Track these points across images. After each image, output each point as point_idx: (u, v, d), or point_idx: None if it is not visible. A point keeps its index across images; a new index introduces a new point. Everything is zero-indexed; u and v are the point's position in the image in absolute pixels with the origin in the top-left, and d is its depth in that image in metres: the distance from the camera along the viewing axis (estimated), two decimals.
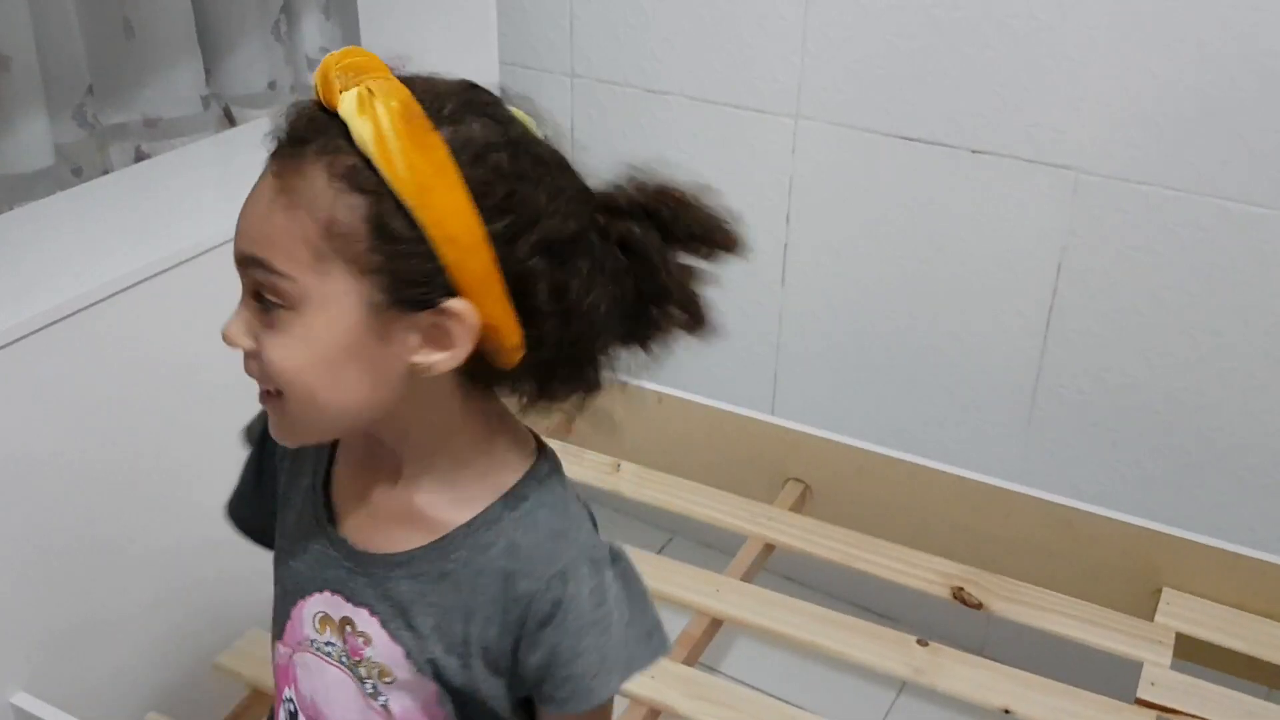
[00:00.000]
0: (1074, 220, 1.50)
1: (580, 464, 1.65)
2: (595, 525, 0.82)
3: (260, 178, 0.70)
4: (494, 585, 0.75)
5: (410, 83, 0.69)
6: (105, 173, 1.55)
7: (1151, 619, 1.41)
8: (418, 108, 0.67)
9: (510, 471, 0.78)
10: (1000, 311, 1.60)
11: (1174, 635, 1.38)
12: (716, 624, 1.44)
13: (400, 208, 0.66)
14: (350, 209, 0.66)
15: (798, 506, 1.62)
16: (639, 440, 1.68)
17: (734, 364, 1.84)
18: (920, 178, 1.58)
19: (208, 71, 1.61)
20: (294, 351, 0.69)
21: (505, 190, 0.68)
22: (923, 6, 1.49)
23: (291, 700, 0.85)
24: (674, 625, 1.08)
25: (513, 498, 0.77)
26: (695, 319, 0.80)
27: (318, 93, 0.69)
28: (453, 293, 0.68)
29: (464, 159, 0.67)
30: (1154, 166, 1.43)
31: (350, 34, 1.81)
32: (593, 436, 1.68)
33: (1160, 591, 1.45)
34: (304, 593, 0.82)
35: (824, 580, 1.81)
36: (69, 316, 1.14)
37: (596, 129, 1.81)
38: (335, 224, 0.67)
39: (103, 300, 1.17)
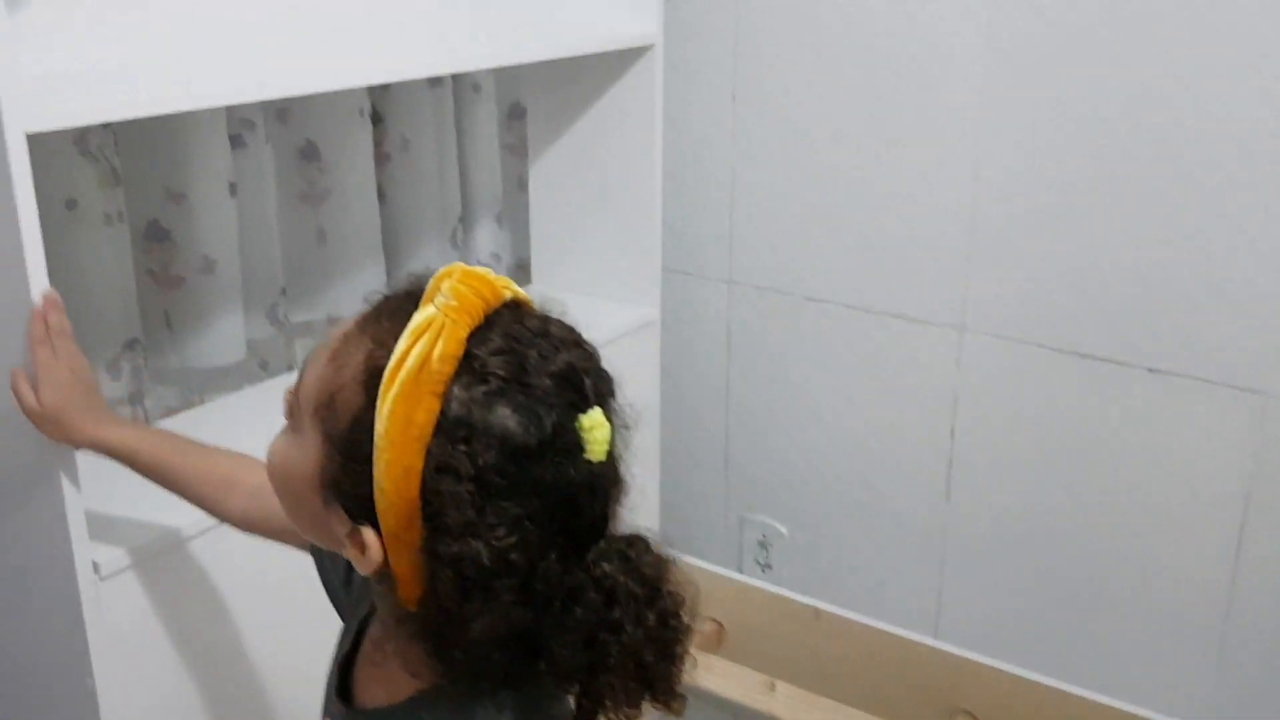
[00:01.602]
0: (1264, 448, 1.42)
1: (733, 681, 1.60)
2: None
3: (355, 317, 0.74)
4: None
5: (500, 336, 0.68)
6: (290, 368, 1.63)
7: None
8: (447, 368, 0.67)
9: (413, 681, 0.75)
10: (1183, 539, 1.51)
11: None
12: None
13: (371, 432, 0.67)
14: (350, 399, 0.69)
15: None
16: (795, 658, 1.62)
17: (896, 580, 1.77)
18: (1093, 395, 1.54)
19: (389, 273, 1.71)
20: (275, 451, 0.76)
21: (450, 490, 0.66)
22: (1091, 222, 1.48)
23: None
24: None
25: (413, 703, 0.75)
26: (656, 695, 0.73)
27: (430, 282, 0.71)
28: (375, 524, 0.68)
29: (440, 438, 0.66)
30: None
31: (520, 240, 1.90)
32: (746, 651, 1.64)
33: None
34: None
35: None
36: None
37: (754, 335, 1.83)
38: (337, 399, 0.70)
39: None
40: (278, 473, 0.76)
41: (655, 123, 1.63)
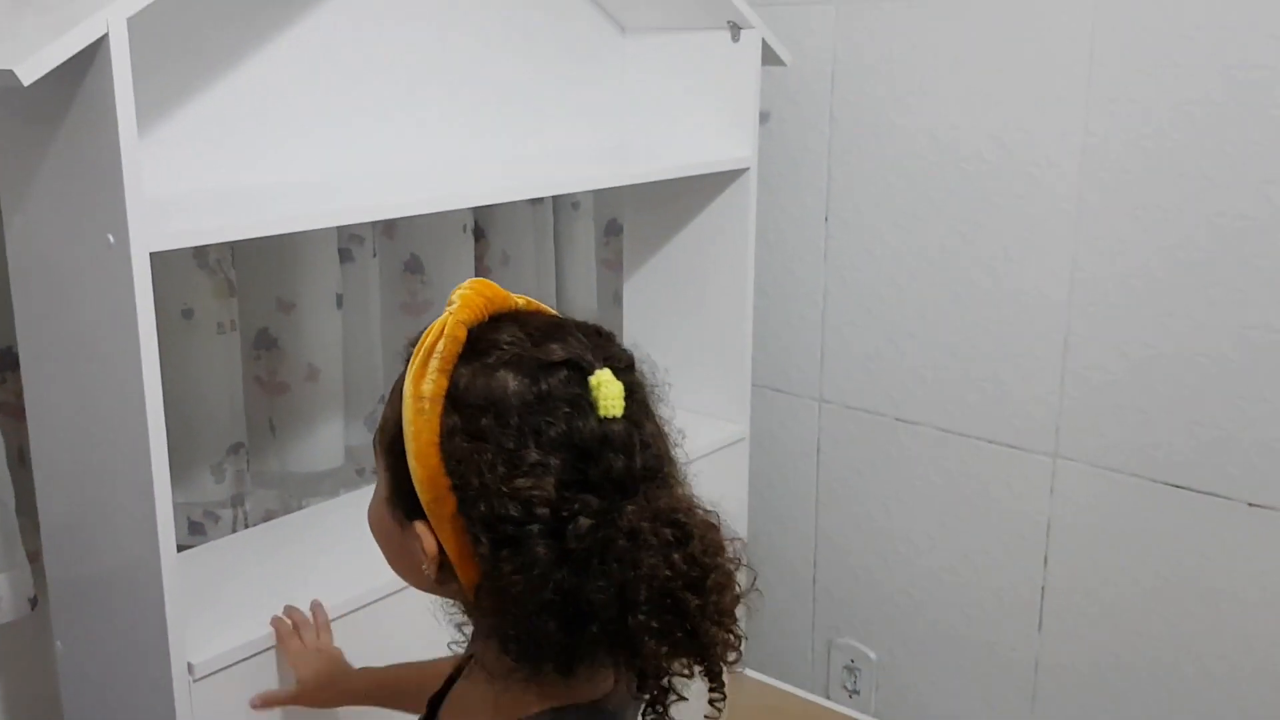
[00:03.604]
0: None
1: None
2: None
3: None
4: None
5: (499, 319, 0.74)
6: None
7: None
8: (452, 348, 0.72)
9: (520, 707, 0.74)
10: None
11: None
12: None
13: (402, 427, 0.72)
14: (389, 414, 0.75)
15: None
16: None
17: (985, 711, 1.72)
18: (1190, 529, 1.49)
19: None
20: (371, 510, 0.80)
21: (467, 451, 0.70)
22: (1187, 353, 1.46)
23: None
24: None
25: None
26: (709, 663, 0.73)
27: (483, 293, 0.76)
28: (423, 516, 0.72)
29: (451, 408, 0.71)
30: None
31: None
32: None
33: None
34: None
35: None
36: (343, 616, 1.21)
37: (843, 454, 1.82)
38: (388, 419, 0.75)
39: (374, 602, 1.24)
40: (373, 525, 0.80)
41: (748, 242, 1.66)
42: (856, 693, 1.87)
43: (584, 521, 0.69)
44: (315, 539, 1.36)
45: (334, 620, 1.20)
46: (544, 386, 0.71)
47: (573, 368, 0.71)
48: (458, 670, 0.87)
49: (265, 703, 1.14)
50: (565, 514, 0.69)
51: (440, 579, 0.75)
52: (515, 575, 0.69)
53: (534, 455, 0.69)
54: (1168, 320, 1.47)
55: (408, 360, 0.75)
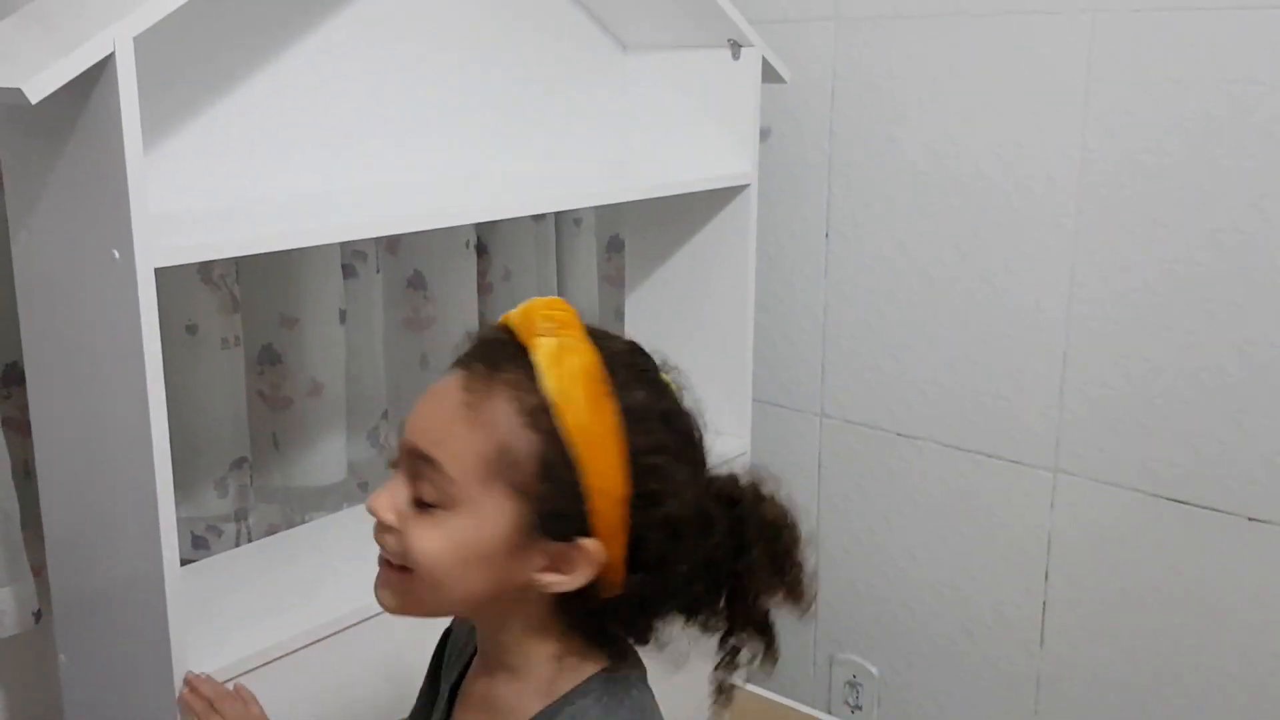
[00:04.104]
0: None
1: None
2: None
3: (444, 383, 0.79)
4: None
5: (596, 338, 0.79)
6: None
7: None
8: (601, 372, 0.77)
9: (577, 673, 0.83)
10: None
11: None
12: None
13: (566, 454, 0.75)
14: (527, 443, 0.75)
15: None
16: None
17: None
18: (1190, 543, 1.50)
19: None
20: (437, 544, 0.77)
21: (653, 463, 0.77)
22: (1187, 369, 1.46)
23: None
24: None
25: (572, 695, 0.82)
26: (791, 595, 0.85)
27: (513, 323, 0.79)
28: (588, 533, 0.76)
29: (628, 427, 0.76)
30: None
31: None
32: None
33: None
34: None
35: None
36: (344, 630, 1.22)
37: (845, 469, 1.82)
38: (510, 451, 0.75)
39: (376, 616, 1.24)
40: (446, 559, 0.78)
41: (749, 257, 1.67)
42: (859, 708, 1.87)
43: (719, 505, 0.81)
44: (318, 553, 1.37)
45: (336, 634, 1.20)
46: (662, 392, 0.81)
47: (653, 368, 0.83)
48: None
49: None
50: (713, 499, 0.81)
51: (522, 595, 0.80)
52: (677, 559, 0.78)
53: (698, 454, 0.81)
54: (1167, 335, 1.48)
55: (483, 384, 0.77)
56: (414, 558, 0.78)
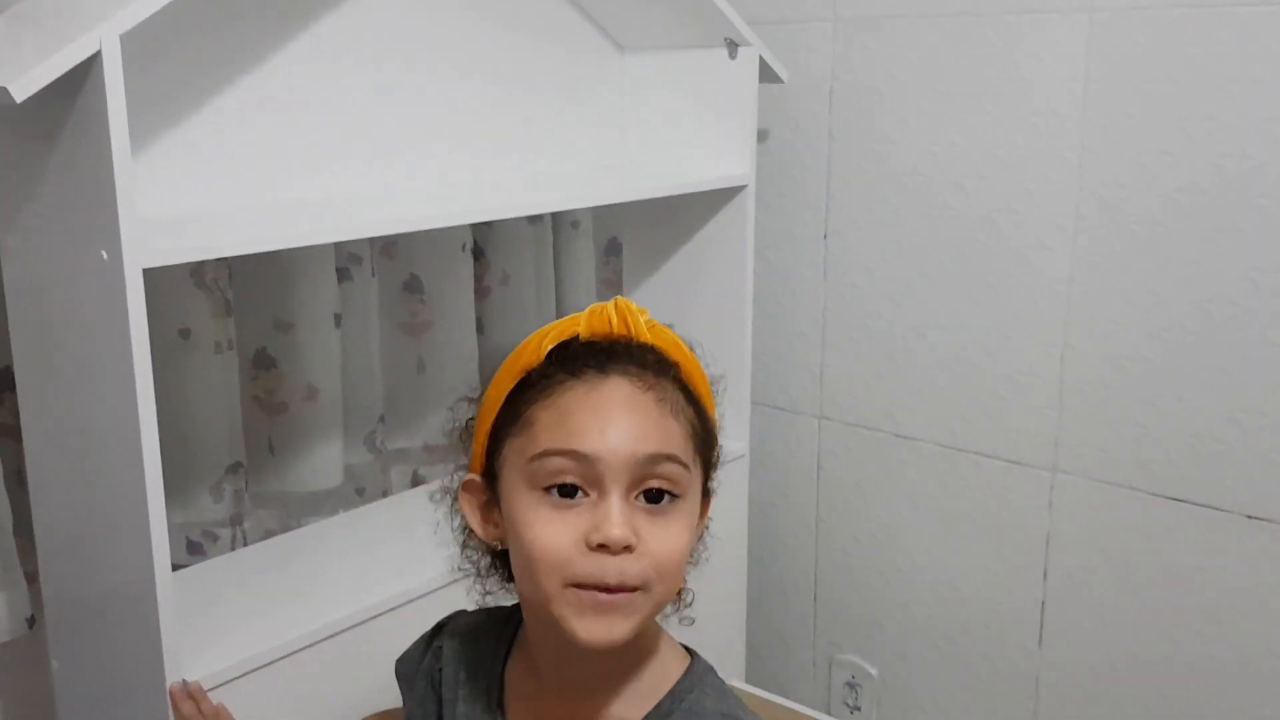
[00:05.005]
0: None
1: None
2: None
3: (620, 395, 0.82)
4: None
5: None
6: (385, 493, 1.67)
7: None
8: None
9: (673, 670, 0.87)
10: None
11: None
12: None
13: (708, 418, 0.87)
14: (692, 418, 0.85)
15: None
16: None
17: None
18: (1189, 542, 1.49)
19: None
20: (681, 540, 0.82)
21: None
22: (1186, 368, 1.46)
23: None
24: None
25: (680, 690, 0.86)
26: None
27: (612, 323, 0.86)
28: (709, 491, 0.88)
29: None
30: None
31: None
32: None
33: None
34: None
35: None
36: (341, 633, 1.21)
37: (843, 470, 1.81)
38: (694, 428, 0.85)
39: (372, 619, 1.23)
40: (685, 548, 0.83)
41: (747, 260, 1.66)
42: (858, 709, 1.86)
43: None
44: (313, 558, 1.36)
45: (332, 637, 1.20)
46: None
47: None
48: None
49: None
50: None
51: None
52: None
53: None
54: (1165, 333, 1.47)
55: (653, 383, 0.84)
56: (664, 565, 0.80)
